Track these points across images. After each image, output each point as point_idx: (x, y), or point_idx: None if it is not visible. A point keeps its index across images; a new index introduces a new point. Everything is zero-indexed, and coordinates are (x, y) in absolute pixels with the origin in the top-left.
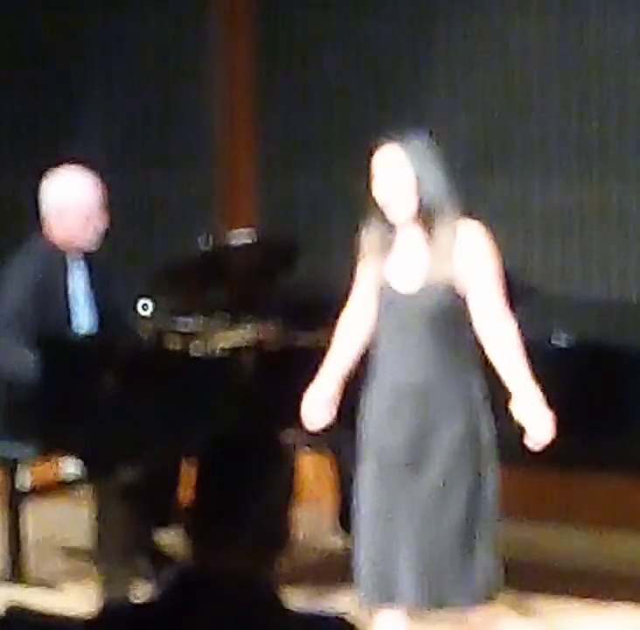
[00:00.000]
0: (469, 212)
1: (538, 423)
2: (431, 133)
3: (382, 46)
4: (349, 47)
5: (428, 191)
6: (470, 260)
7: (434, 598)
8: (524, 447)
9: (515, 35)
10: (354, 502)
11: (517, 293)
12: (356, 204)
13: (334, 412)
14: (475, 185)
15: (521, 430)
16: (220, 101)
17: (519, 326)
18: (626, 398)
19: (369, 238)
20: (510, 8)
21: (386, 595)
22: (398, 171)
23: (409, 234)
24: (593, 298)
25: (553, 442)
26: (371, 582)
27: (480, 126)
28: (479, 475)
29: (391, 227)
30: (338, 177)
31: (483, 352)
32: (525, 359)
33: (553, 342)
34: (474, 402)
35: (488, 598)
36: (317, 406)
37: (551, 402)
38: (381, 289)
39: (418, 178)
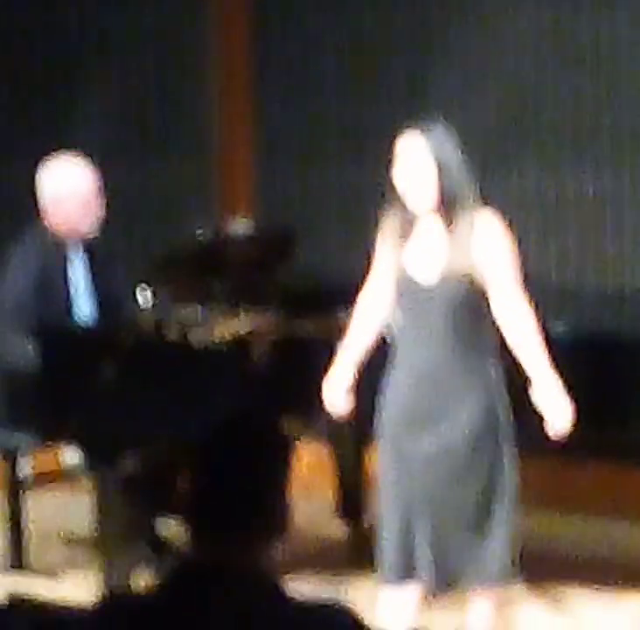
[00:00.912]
0: (486, 202)
1: (558, 412)
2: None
3: (382, 37)
4: (349, 36)
5: (449, 180)
6: (489, 250)
7: (449, 577)
8: (537, 437)
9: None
10: (377, 485)
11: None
12: (353, 194)
13: (354, 397)
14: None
15: (540, 419)
16: (219, 89)
17: None
18: (624, 386)
19: (389, 225)
20: None
21: (404, 573)
22: (419, 161)
23: (429, 222)
24: (589, 287)
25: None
26: (391, 561)
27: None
28: (496, 461)
29: (411, 215)
30: (336, 167)
31: (501, 340)
32: (544, 347)
33: (549, 331)
34: (491, 389)
35: (503, 581)
36: (339, 392)
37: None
38: (400, 277)
39: (439, 168)
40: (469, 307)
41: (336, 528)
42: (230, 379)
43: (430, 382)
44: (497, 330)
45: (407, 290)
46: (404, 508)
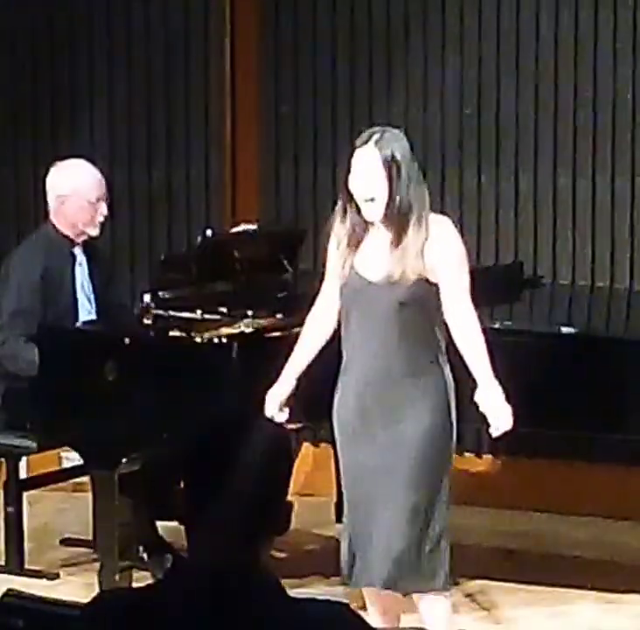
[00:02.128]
0: (441, 206)
1: (498, 414)
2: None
3: (386, 34)
4: (351, 36)
5: (402, 193)
6: (440, 254)
7: (395, 583)
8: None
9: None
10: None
11: (524, 283)
12: None
13: (289, 410)
14: (478, 178)
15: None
16: (224, 91)
17: (529, 316)
18: (636, 387)
19: (340, 229)
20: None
21: (360, 578)
22: (373, 173)
23: (381, 227)
24: (601, 287)
25: (556, 430)
26: (348, 565)
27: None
28: (439, 464)
29: (363, 221)
30: (342, 168)
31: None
32: (485, 351)
33: (562, 331)
34: (438, 391)
35: (437, 587)
36: (274, 404)
37: (562, 391)
38: (349, 277)
39: (393, 180)
40: (418, 308)
41: (336, 529)
42: (231, 381)
43: (377, 384)
44: (447, 331)
45: (357, 290)
46: (358, 514)
